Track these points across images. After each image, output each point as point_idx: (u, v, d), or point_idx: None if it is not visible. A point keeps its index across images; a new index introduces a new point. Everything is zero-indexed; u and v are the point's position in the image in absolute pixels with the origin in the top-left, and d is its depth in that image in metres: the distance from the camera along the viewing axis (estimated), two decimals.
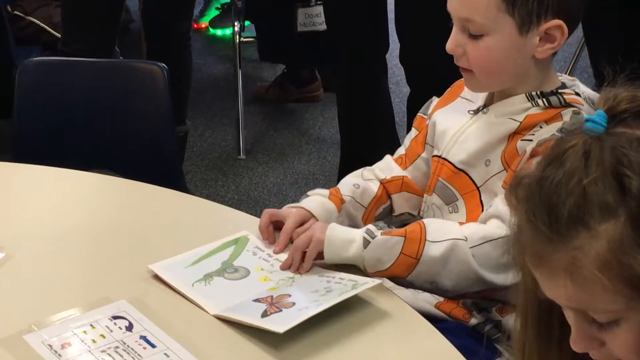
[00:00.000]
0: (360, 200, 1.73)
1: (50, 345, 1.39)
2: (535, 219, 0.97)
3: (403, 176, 1.76)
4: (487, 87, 1.66)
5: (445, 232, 1.56)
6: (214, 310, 1.47)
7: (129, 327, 1.43)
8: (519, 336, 1.11)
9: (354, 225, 1.71)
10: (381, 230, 1.57)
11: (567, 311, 1.01)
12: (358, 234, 1.56)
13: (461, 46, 1.60)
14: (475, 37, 1.58)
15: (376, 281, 1.50)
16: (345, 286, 1.49)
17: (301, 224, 1.64)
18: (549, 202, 0.96)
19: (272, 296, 1.50)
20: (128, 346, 1.40)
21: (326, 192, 1.71)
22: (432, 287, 1.59)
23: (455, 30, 1.61)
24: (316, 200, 1.69)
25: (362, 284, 1.49)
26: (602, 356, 1.01)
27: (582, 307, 0.98)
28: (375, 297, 1.52)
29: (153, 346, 1.40)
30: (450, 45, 1.61)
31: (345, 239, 1.56)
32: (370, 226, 1.57)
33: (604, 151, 0.95)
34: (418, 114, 1.80)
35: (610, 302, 0.95)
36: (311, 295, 1.48)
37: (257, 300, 1.49)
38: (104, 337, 1.41)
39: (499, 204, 1.55)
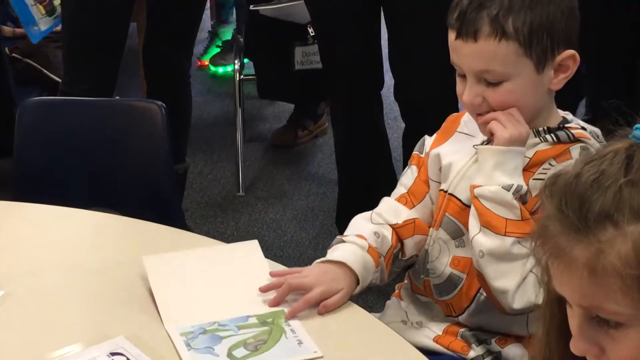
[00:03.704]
0: (381, 251, 1.68)
1: None
2: (567, 208, 0.99)
3: (414, 219, 1.72)
4: None
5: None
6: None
7: None
8: (540, 341, 1.11)
9: (381, 277, 1.67)
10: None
11: (573, 310, 1.01)
12: None
13: (479, 95, 1.59)
14: (494, 84, 1.58)
15: (318, 354, 1.45)
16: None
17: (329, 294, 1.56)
18: (582, 195, 0.98)
19: None
20: None
21: (364, 243, 1.65)
22: None
23: (470, 83, 1.59)
24: (356, 253, 1.63)
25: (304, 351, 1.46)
26: None
27: (591, 305, 0.99)
28: (373, 333, 1.52)
29: None
30: (468, 98, 1.59)
31: None
32: None
33: None
34: (414, 152, 1.78)
35: (622, 304, 0.96)
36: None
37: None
38: None
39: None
